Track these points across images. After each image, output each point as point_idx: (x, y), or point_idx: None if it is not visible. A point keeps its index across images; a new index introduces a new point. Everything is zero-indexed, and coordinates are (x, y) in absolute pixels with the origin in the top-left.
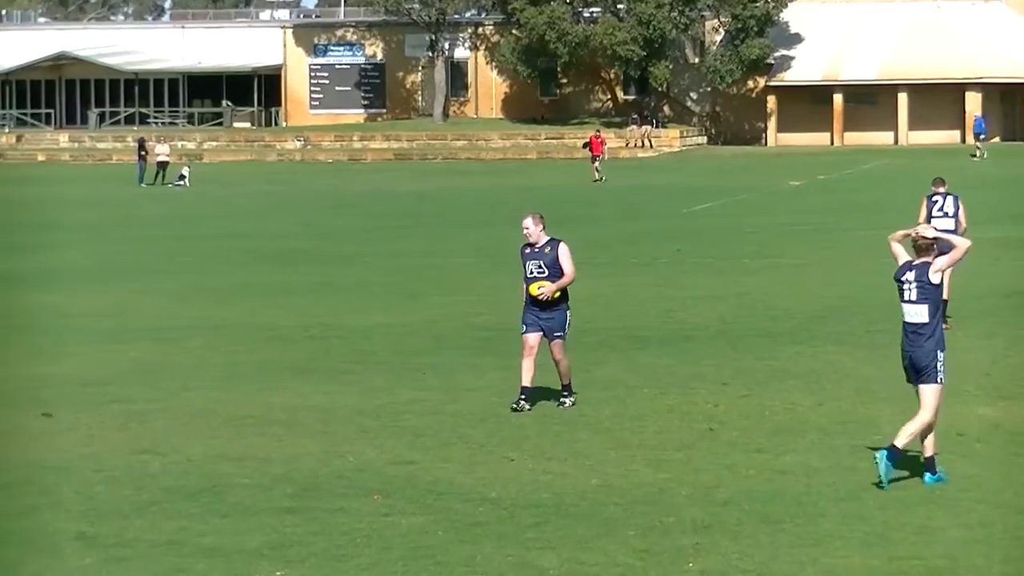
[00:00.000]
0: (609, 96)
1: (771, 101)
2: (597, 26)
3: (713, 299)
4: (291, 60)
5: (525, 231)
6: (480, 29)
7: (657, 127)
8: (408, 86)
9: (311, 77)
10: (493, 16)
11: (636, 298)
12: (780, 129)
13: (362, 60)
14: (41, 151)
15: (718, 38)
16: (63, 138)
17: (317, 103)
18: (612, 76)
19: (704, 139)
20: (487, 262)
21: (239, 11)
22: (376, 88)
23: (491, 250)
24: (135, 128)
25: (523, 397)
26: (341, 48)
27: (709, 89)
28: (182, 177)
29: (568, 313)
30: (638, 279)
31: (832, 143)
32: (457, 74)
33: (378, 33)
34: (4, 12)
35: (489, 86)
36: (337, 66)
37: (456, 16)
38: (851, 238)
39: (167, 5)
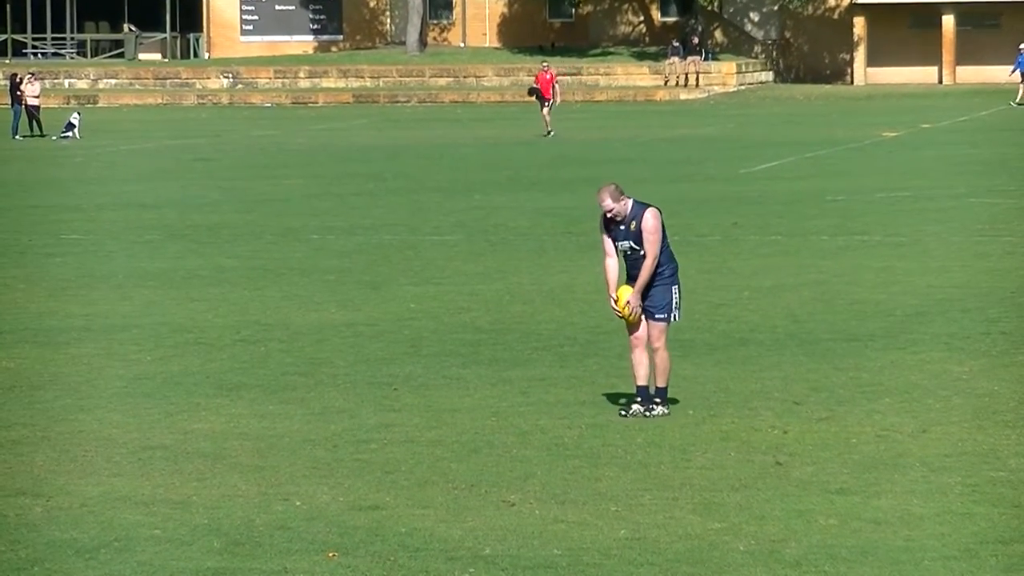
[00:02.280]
0: (642, 18)
1: (859, 25)
2: None
3: (780, 289)
4: None
5: (609, 212)
6: None
7: (706, 59)
8: (372, 5)
9: None
10: None
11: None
12: (871, 62)
13: None
14: None
15: None
16: None
17: (251, 28)
18: None
19: (769, 75)
20: (475, 241)
21: None
22: (329, 8)
23: (480, 225)
24: (7, 61)
25: (637, 399)
26: None
27: (776, 9)
28: (70, 126)
29: (675, 290)
30: (680, 263)
31: (940, 80)
32: None
33: None
34: None
35: (481, 5)
36: None
37: None
38: (964, 208)
39: None
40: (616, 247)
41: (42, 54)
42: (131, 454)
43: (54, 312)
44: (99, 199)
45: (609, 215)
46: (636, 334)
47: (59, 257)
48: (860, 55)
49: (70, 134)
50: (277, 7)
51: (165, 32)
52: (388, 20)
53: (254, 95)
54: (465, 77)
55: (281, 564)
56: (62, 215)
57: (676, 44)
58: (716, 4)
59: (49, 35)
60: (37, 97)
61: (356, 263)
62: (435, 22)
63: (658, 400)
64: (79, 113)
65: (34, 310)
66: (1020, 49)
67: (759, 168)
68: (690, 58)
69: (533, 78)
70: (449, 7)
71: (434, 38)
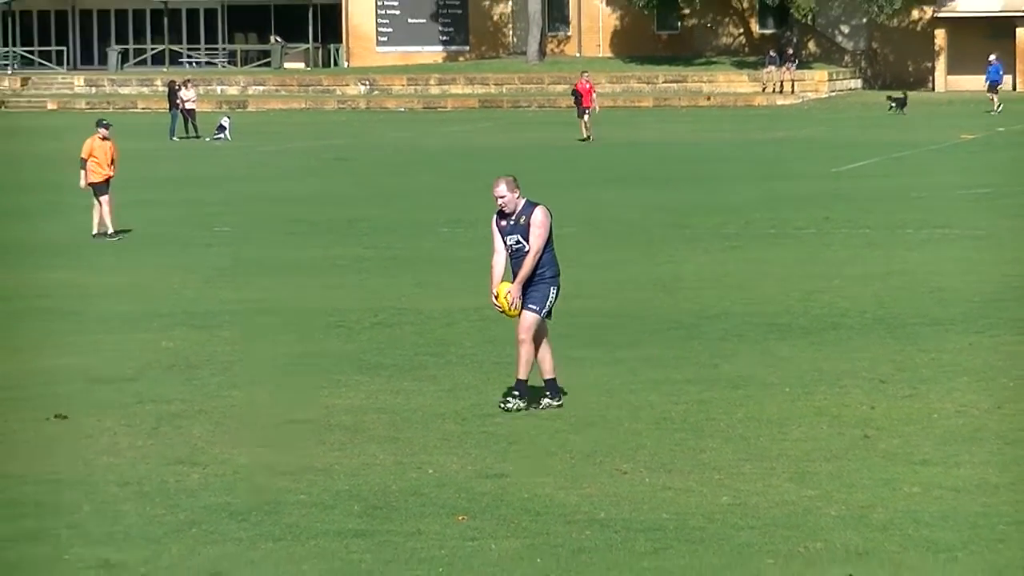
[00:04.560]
0: (742, 30)
1: (940, 36)
2: None
3: (868, 278)
4: None
5: (500, 200)
6: None
7: (800, 68)
8: (496, 18)
9: (378, 7)
10: None
11: (774, 276)
12: (951, 70)
13: None
14: (51, 97)
15: None
16: (78, 81)
17: (386, 39)
18: (746, 5)
19: (858, 82)
20: (594, 233)
21: None
22: (457, 21)
23: (598, 218)
24: (165, 69)
25: (516, 393)
26: None
27: (864, 21)
28: (221, 128)
29: (553, 291)
30: (776, 253)
31: (1015, 88)
32: (556, 4)
33: None
34: None
35: (595, 18)
36: None
37: None
38: None
39: None
40: (505, 242)
41: (196, 63)
42: (279, 426)
43: (208, 297)
44: (248, 194)
45: (500, 202)
46: (524, 323)
47: (212, 247)
48: (941, 64)
49: (221, 136)
50: (410, 20)
51: (308, 43)
52: (510, 32)
53: (389, 100)
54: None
55: (415, 526)
56: (215, 209)
57: (773, 54)
58: (809, 17)
59: (203, 46)
60: (193, 102)
61: (481, 253)
62: (553, 34)
63: (546, 393)
64: (229, 117)
65: (190, 296)
66: (990, 60)
67: (849, 167)
68: (786, 66)
69: (647, 85)
70: (566, 20)
71: (552, 49)
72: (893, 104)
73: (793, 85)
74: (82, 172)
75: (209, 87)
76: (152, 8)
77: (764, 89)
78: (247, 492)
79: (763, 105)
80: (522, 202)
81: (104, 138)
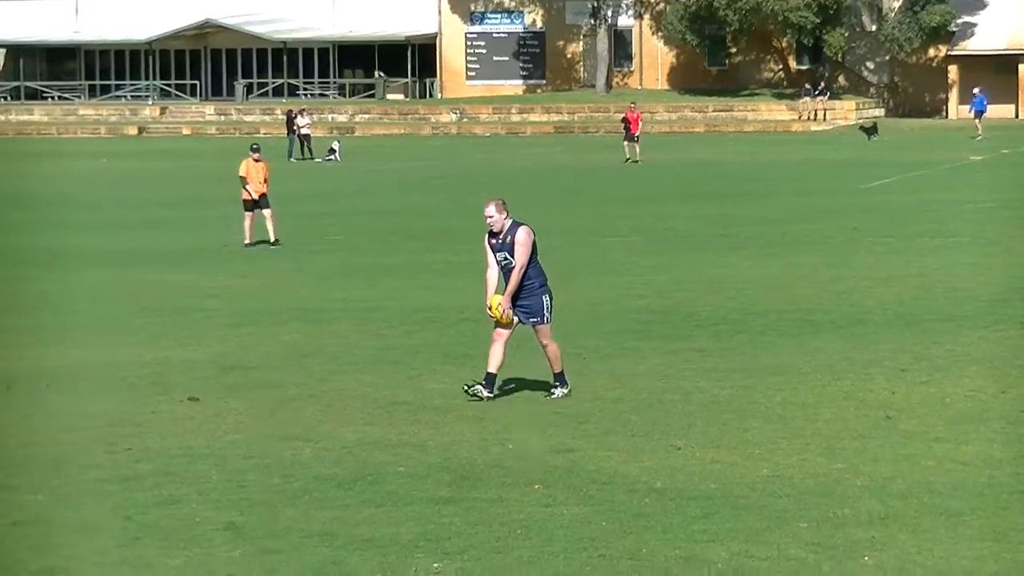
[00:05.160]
0: (781, 66)
1: (952, 71)
2: None
3: (890, 280)
4: (447, 28)
5: (489, 219)
6: None
7: (832, 98)
8: (569, 56)
9: (468, 46)
10: None
11: (808, 279)
12: (962, 101)
13: (521, 28)
14: (186, 124)
15: (896, 4)
16: (209, 110)
17: (474, 74)
18: (784, 44)
19: (881, 111)
20: (648, 241)
21: None
22: (535, 58)
23: (652, 229)
24: (284, 100)
25: (483, 383)
26: (499, 16)
27: (887, 58)
28: (332, 151)
29: (546, 298)
30: (810, 258)
31: (1017, 116)
32: (621, 43)
33: (538, 0)
34: None
35: (654, 56)
36: (495, 35)
37: None
38: None
39: None
40: (495, 258)
41: (311, 94)
42: (380, 408)
43: (320, 296)
44: (355, 208)
45: (489, 221)
46: (499, 330)
47: (323, 253)
48: (954, 95)
49: (332, 157)
50: (495, 58)
51: (407, 77)
52: (581, 68)
53: (476, 127)
54: (642, 113)
55: (497, 494)
56: (326, 220)
57: (808, 86)
58: (840, 55)
59: (316, 79)
60: (308, 128)
61: (554, 259)
62: (619, 69)
63: (557, 383)
64: (339, 141)
65: (304, 294)
66: (974, 92)
67: (874, 184)
68: (819, 97)
69: (699, 114)
70: (629, 57)
71: (617, 82)
72: (864, 133)
73: (825, 114)
74: (243, 189)
75: (322, 115)
76: (273, 47)
77: (800, 117)
78: (352, 464)
79: (799, 131)
80: (509, 222)
81: (256, 160)
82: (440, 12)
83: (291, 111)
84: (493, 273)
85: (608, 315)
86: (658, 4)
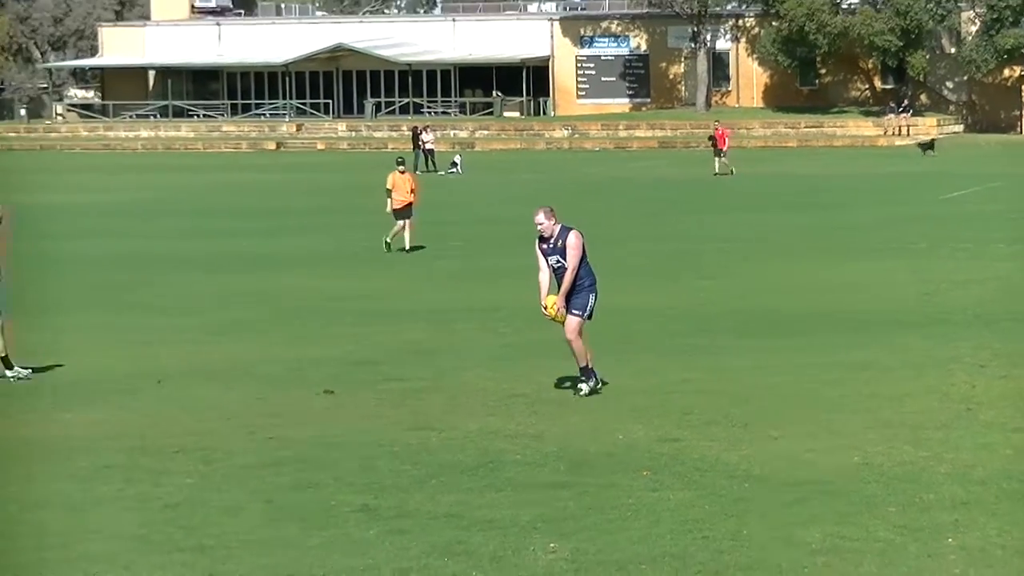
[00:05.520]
0: (867, 85)
1: None
2: (855, 17)
3: (969, 283)
4: (559, 51)
5: (539, 226)
6: (741, 21)
7: (914, 115)
8: (671, 76)
9: (578, 68)
10: (754, 8)
11: (893, 282)
12: None
13: (627, 51)
14: (320, 140)
15: (974, 28)
16: (341, 127)
17: (584, 93)
18: (870, 66)
19: (960, 127)
20: (746, 247)
21: (508, 4)
22: (640, 78)
23: (747, 237)
24: (409, 117)
25: (583, 378)
26: (607, 40)
27: (965, 78)
28: (454, 164)
29: (592, 297)
30: (894, 263)
31: None
32: (719, 64)
33: (642, 25)
34: (283, 5)
35: (750, 76)
36: (603, 57)
37: (718, 8)
38: None
39: None
40: (547, 262)
41: (434, 112)
42: (500, 400)
43: (443, 298)
44: (475, 216)
45: (539, 228)
46: (569, 326)
47: (445, 259)
48: None
49: (454, 170)
50: (603, 79)
51: (522, 96)
52: (683, 87)
53: (587, 142)
54: (738, 129)
55: (609, 480)
56: (448, 228)
57: (892, 104)
58: (921, 75)
59: (439, 98)
60: (432, 143)
61: (657, 263)
62: (717, 89)
63: (582, 378)
64: (461, 155)
65: (428, 296)
66: None
67: (953, 195)
68: (902, 114)
69: (791, 130)
70: (727, 78)
71: (716, 100)
72: (921, 149)
73: (908, 129)
74: (388, 200)
75: (444, 131)
76: (399, 69)
77: (885, 133)
78: (475, 452)
79: (884, 146)
80: (558, 228)
81: (402, 172)
82: (553, 36)
83: (416, 127)
84: (545, 276)
85: (709, 315)
86: (753, 29)
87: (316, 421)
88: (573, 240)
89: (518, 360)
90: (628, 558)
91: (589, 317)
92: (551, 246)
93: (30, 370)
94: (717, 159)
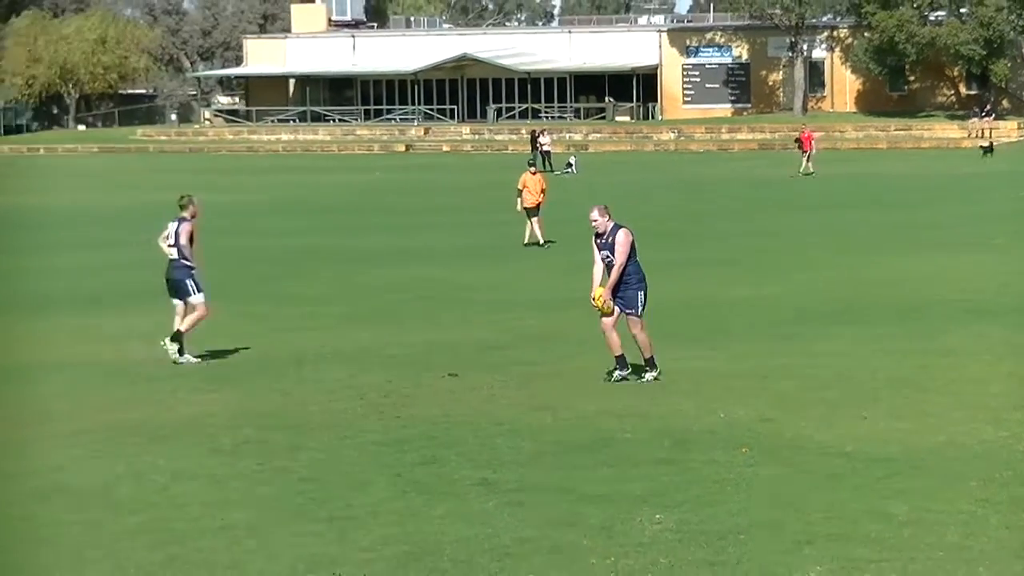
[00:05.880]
0: (952, 91)
1: None
2: (942, 28)
3: None
4: (666, 60)
5: (593, 223)
6: (835, 32)
7: (997, 119)
8: (770, 83)
9: (684, 76)
10: (847, 20)
11: (974, 274)
12: None
13: (729, 60)
14: (445, 142)
15: None
16: (465, 131)
17: (689, 99)
18: (955, 73)
19: None
20: (840, 241)
21: (620, 17)
22: (742, 85)
23: (844, 231)
24: (528, 121)
25: (616, 367)
26: (711, 49)
27: None
28: (569, 165)
29: (641, 293)
30: (976, 257)
31: None
32: (815, 72)
33: (744, 36)
34: (413, 19)
35: (843, 83)
36: (707, 66)
37: (814, 20)
38: None
39: (556, 12)
40: (600, 256)
41: (551, 116)
42: (611, 383)
43: (561, 289)
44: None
45: (593, 224)
46: (604, 320)
47: (564, 253)
48: None
49: (569, 170)
50: (707, 85)
51: (632, 102)
52: (781, 94)
53: (692, 144)
54: (833, 132)
55: (710, 456)
56: (565, 225)
57: (976, 109)
58: (1003, 81)
59: (556, 104)
60: (549, 145)
61: (754, 257)
62: (813, 94)
63: (648, 368)
64: (576, 156)
65: (549, 288)
66: None
67: None
68: (986, 118)
69: (882, 132)
70: (822, 84)
71: (812, 105)
72: (983, 151)
73: (991, 132)
74: (518, 199)
75: (560, 134)
76: (519, 77)
77: (969, 135)
78: (588, 431)
79: (968, 147)
80: (611, 225)
81: (533, 173)
82: (661, 47)
83: (535, 131)
84: (598, 269)
85: (805, 305)
86: (847, 39)
87: (440, 402)
88: (622, 237)
89: (627, 346)
90: (727, 528)
91: (640, 314)
92: (604, 241)
93: (199, 359)
94: (804, 160)
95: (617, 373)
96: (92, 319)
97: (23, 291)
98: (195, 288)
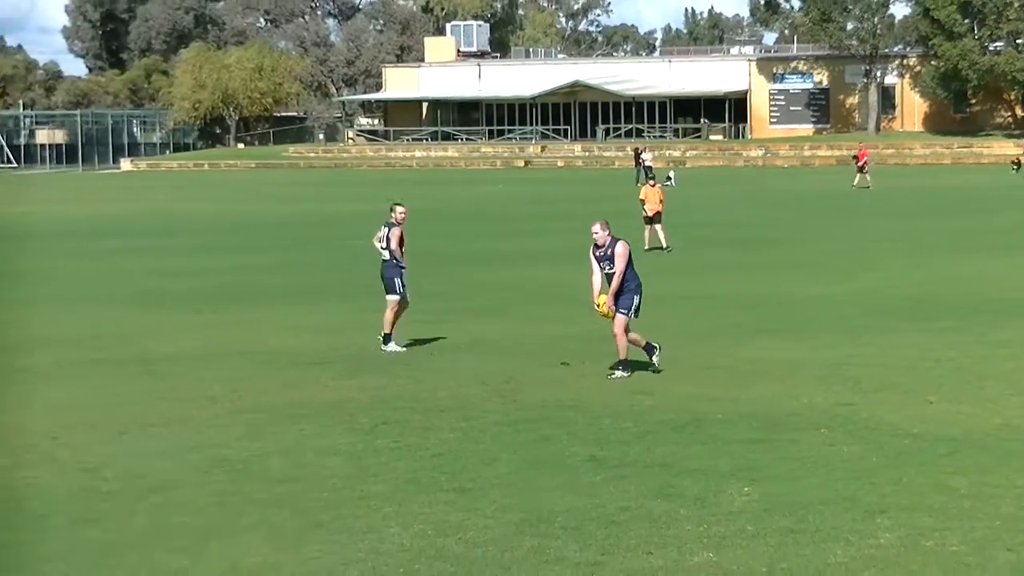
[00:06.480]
0: (1010, 113)
1: None
2: (1000, 57)
3: None
4: (755, 86)
5: (595, 235)
6: (905, 60)
7: None
8: (847, 106)
9: (770, 99)
10: (916, 50)
11: None
12: None
13: (811, 86)
14: (559, 158)
15: None
16: (577, 148)
17: (775, 120)
18: (1012, 96)
19: None
20: (909, 246)
21: (714, 48)
22: (822, 108)
23: (913, 237)
24: (632, 140)
25: (620, 367)
26: (795, 76)
27: None
28: (669, 178)
29: (636, 297)
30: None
31: None
32: (887, 96)
33: (824, 64)
34: (531, 50)
35: (912, 105)
36: (791, 90)
37: (887, 50)
38: None
39: (657, 43)
40: (600, 266)
41: (652, 136)
42: (704, 370)
43: (665, 286)
44: (685, 222)
45: (595, 237)
46: (616, 324)
47: (669, 255)
48: None
49: (669, 183)
50: (791, 108)
51: (725, 122)
52: (857, 115)
53: (777, 160)
54: (903, 149)
55: (792, 436)
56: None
57: None
58: None
59: (657, 124)
60: (650, 161)
61: (832, 259)
62: (886, 116)
63: (619, 367)
64: (674, 171)
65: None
66: None
67: None
68: None
69: (946, 150)
70: (893, 106)
71: (884, 125)
72: (1014, 166)
73: None
74: (643, 209)
75: (661, 151)
76: (625, 101)
77: None
78: (682, 412)
79: None
80: (610, 238)
81: (652, 186)
82: (750, 74)
83: (638, 148)
84: (596, 278)
85: (876, 302)
86: (916, 67)
87: (554, 387)
88: (620, 249)
89: (719, 337)
90: (808, 500)
91: (636, 315)
92: (604, 253)
93: (404, 349)
94: (859, 175)
95: (619, 373)
96: (279, 310)
97: (232, 285)
98: (400, 286)
